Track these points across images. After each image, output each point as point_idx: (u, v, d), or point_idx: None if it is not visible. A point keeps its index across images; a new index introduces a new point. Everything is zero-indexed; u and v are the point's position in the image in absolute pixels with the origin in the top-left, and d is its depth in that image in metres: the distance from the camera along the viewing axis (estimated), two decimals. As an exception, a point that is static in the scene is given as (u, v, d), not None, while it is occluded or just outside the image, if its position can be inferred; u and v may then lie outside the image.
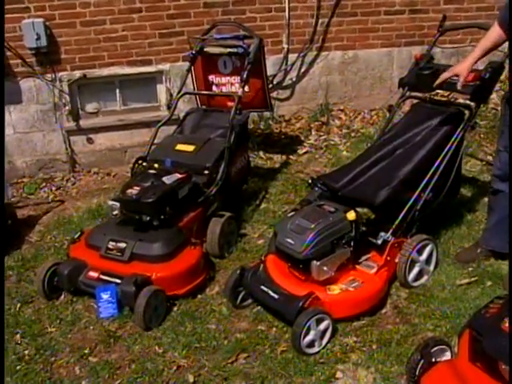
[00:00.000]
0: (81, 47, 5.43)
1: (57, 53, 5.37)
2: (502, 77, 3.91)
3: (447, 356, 2.78)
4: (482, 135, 5.73)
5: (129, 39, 5.53)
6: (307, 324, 3.03)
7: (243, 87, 4.41)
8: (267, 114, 5.85)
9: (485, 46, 3.44)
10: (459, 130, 3.69)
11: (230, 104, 4.67)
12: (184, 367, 3.08)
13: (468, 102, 3.88)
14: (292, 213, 3.49)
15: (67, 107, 5.53)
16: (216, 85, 5.01)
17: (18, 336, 3.34)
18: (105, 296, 3.42)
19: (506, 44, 3.43)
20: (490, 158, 5.14)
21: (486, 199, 4.18)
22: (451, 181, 3.73)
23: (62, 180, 5.53)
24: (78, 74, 5.47)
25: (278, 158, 5.62)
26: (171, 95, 5.62)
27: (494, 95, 5.86)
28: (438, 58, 5.71)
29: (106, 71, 5.57)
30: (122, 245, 3.56)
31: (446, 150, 3.64)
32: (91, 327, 3.41)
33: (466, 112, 3.79)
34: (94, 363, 3.14)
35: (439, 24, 4.16)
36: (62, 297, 3.64)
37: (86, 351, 3.22)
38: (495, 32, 3.41)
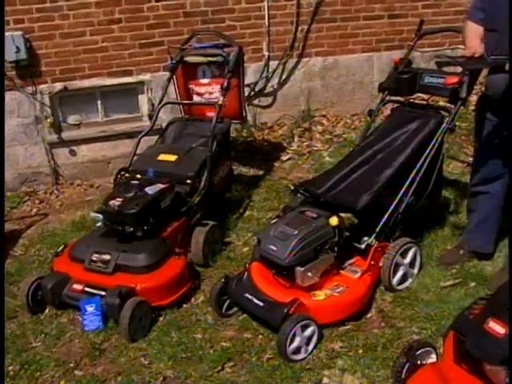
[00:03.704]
0: (61, 59, 5.41)
1: (37, 65, 5.35)
2: (481, 78, 3.96)
3: (432, 358, 2.79)
4: (462, 137, 5.78)
5: (109, 50, 5.52)
6: (292, 331, 3.03)
7: (224, 96, 4.41)
8: (249, 121, 5.86)
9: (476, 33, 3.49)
10: (439, 132, 3.71)
11: (208, 113, 4.68)
12: (170, 378, 3.07)
13: (447, 104, 3.92)
14: (275, 220, 3.50)
15: (49, 120, 5.49)
16: (196, 94, 4.99)
17: (3, 352, 3.31)
18: (89, 309, 3.40)
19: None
20: (471, 159, 5.15)
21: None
22: (433, 183, 3.74)
23: (45, 193, 5.49)
24: (58, 86, 5.46)
25: (261, 165, 5.63)
26: (153, 105, 5.61)
27: (474, 97, 5.91)
28: (417, 62, 5.78)
29: (86, 83, 5.55)
30: (106, 257, 3.55)
31: (426, 152, 3.66)
32: (76, 340, 3.38)
33: (446, 114, 3.81)
34: (80, 377, 3.11)
35: (417, 28, 4.20)
36: (47, 311, 3.61)
37: (72, 365, 3.19)
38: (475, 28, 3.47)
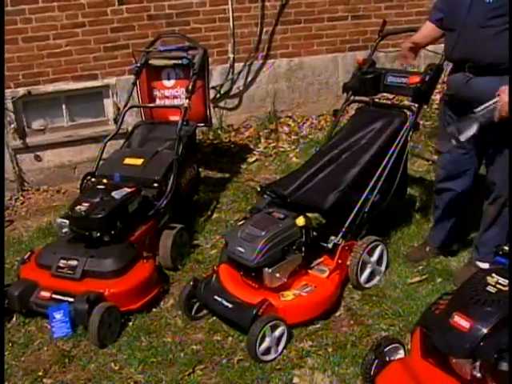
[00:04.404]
0: (24, 64, 5.35)
1: (-1, 70, 5.29)
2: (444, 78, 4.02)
3: (401, 354, 2.83)
4: (427, 135, 5.86)
5: (73, 54, 5.48)
6: (262, 331, 3.04)
7: (189, 98, 4.41)
8: (216, 123, 5.87)
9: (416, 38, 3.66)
10: (403, 131, 3.77)
11: (171, 116, 4.68)
12: (141, 383, 3.05)
13: (411, 103, 3.97)
14: (242, 221, 3.50)
15: (13, 125, 5.42)
16: (159, 97, 5.00)
17: (-31, 362, 3.26)
18: (58, 315, 3.36)
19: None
20: (435, 157, 5.25)
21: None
22: (398, 181, 3.79)
23: (10, 200, 5.40)
24: (22, 91, 5.39)
25: (228, 167, 5.64)
26: (118, 109, 5.57)
27: (438, 96, 6.01)
28: (382, 62, 5.85)
29: (51, 87, 5.50)
30: (73, 262, 3.51)
31: (391, 151, 3.71)
32: (45, 348, 3.34)
33: (409, 113, 3.87)
34: (49, 385, 3.09)
35: (379, 29, 4.26)
36: (14, 319, 3.56)
37: (40, 373, 3.15)
38: (428, 27, 3.60)
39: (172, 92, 4.92)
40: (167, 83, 4.92)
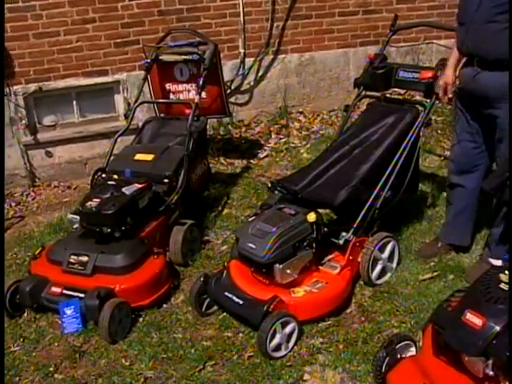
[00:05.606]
0: (35, 60, 5.36)
1: (10, 66, 5.28)
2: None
3: (412, 351, 2.82)
4: (439, 131, 5.83)
5: (84, 50, 5.48)
6: (273, 328, 3.03)
7: (200, 94, 4.40)
8: (227, 119, 5.86)
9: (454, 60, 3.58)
10: (415, 126, 3.74)
11: (188, 111, 4.66)
12: (151, 379, 3.05)
13: (423, 98, 3.95)
14: (253, 217, 3.49)
15: (24, 121, 5.44)
16: (173, 92, 5.01)
17: (-19, 357, 3.27)
18: (68, 311, 3.37)
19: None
20: (448, 153, 5.20)
21: (445, 194, 4.25)
22: (410, 177, 3.76)
23: (21, 195, 5.43)
24: (33, 87, 5.40)
25: (238, 162, 5.62)
26: (129, 105, 5.58)
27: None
28: (393, 57, 5.82)
29: (61, 83, 5.50)
30: (84, 258, 3.52)
31: (402, 147, 3.68)
32: (56, 343, 3.35)
33: (421, 109, 3.84)
34: (60, 380, 3.09)
35: (391, 24, 4.23)
36: (25, 314, 3.57)
37: (51, 368, 3.16)
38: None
39: (186, 87, 4.93)
40: (181, 78, 4.93)
